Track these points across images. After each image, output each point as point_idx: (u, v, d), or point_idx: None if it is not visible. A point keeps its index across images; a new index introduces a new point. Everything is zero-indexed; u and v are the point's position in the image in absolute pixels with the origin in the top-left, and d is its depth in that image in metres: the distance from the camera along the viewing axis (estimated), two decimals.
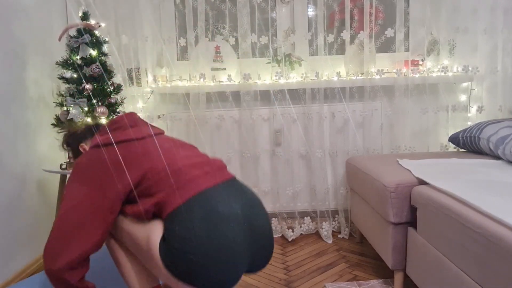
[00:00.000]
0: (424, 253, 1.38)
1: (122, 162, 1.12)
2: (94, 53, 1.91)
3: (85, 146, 1.40)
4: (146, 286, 1.18)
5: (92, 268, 1.32)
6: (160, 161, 1.14)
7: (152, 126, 1.31)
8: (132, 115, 1.29)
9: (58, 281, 1.07)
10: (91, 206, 1.08)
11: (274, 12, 2.38)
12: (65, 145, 1.51)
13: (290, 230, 2.28)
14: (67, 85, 1.93)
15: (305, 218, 2.36)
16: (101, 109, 1.89)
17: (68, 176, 2.15)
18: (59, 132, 1.57)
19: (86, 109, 1.89)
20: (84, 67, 1.90)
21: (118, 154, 1.14)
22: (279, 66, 2.28)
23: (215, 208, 1.04)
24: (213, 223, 1.01)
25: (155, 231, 1.05)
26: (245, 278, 1.82)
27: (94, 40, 1.92)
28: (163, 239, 1.02)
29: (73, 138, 1.44)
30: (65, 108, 1.91)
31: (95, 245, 1.08)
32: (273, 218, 2.37)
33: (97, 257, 1.59)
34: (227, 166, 1.26)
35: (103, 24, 2.09)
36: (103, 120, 1.92)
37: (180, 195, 1.06)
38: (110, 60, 2.04)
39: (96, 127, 1.46)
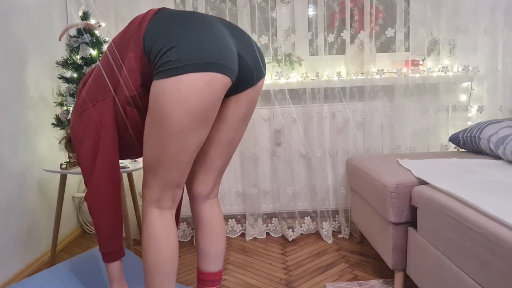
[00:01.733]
0: (424, 253, 1.38)
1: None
2: (94, 52, 1.91)
3: None
4: None
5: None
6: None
7: None
8: None
9: (102, 182, 1.12)
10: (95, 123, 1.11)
11: (274, 11, 2.38)
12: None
13: (290, 230, 2.28)
14: (67, 85, 1.93)
15: (305, 218, 2.36)
16: None
17: (68, 176, 2.15)
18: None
19: None
20: (84, 66, 1.91)
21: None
22: (279, 65, 2.28)
23: (188, 12, 1.03)
24: (189, 14, 1.01)
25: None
26: (245, 278, 1.82)
27: (94, 40, 1.92)
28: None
29: None
30: (65, 108, 1.92)
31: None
32: (273, 218, 2.37)
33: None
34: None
35: (103, 24, 2.09)
36: None
37: (141, 27, 1.03)
38: None
39: None
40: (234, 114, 1.18)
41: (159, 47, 0.96)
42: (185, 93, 0.95)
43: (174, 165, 1.06)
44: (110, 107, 1.11)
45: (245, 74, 1.11)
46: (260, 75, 1.17)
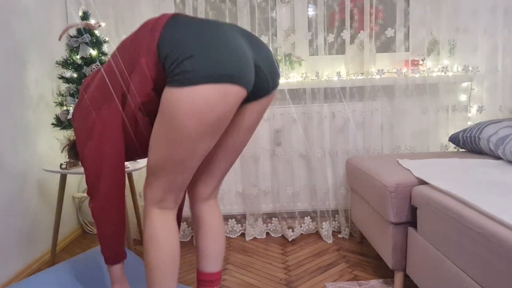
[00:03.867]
0: (424, 253, 1.38)
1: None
2: (94, 52, 1.91)
3: None
4: None
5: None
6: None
7: None
8: None
9: (105, 201, 1.11)
10: (104, 122, 1.09)
11: (274, 11, 2.38)
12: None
13: (290, 230, 2.28)
14: (67, 85, 1.93)
15: (305, 218, 2.36)
16: None
17: (68, 175, 2.15)
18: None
19: None
20: (84, 66, 1.91)
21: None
22: (279, 66, 2.28)
23: (203, 19, 1.01)
24: (205, 23, 0.99)
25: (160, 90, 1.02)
26: (245, 278, 1.83)
27: (94, 40, 1.92)
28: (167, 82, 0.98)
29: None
30: (65, 108, 1.92)
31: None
32: (273, 218, 2.37)
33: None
34: None
35: (103, 24, 2.09)
36: None
37: (160, 23, 1.02)
38: None
39: None
40: (245, 121, 1.17)
41: (175, 55, 0.94)
42: (200, 105, 0.94)
43: (180, 170, 1.06)
44: (115, 112, 1.10)
45: (261, 84, 1.10)
46: (275, 85, 1.16)
